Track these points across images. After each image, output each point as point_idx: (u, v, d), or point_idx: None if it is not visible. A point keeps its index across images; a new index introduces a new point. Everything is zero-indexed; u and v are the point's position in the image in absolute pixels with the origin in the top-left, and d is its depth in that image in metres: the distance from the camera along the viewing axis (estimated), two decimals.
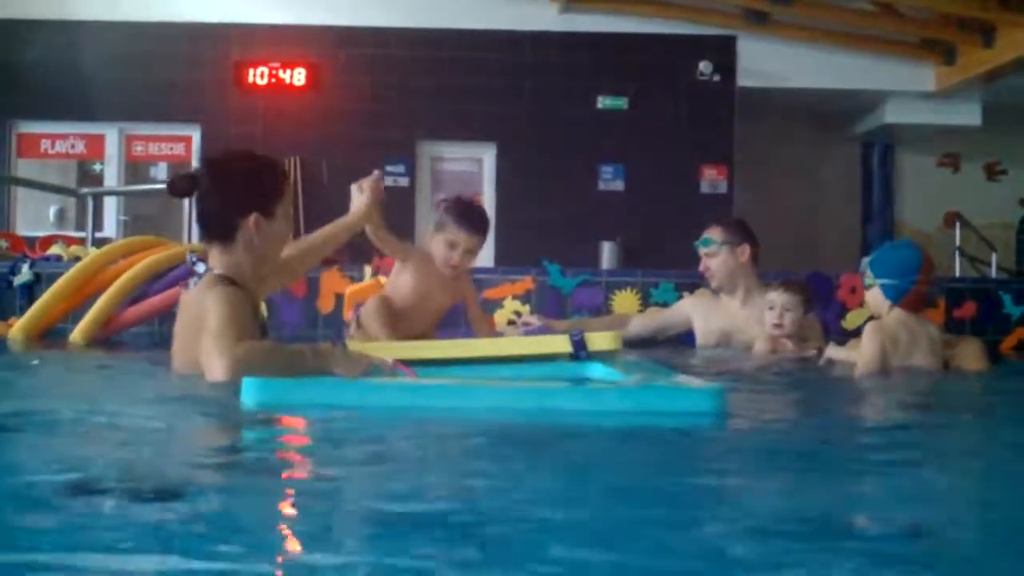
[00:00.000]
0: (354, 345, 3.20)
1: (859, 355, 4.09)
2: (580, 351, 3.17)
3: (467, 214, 4.35)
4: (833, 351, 4.51)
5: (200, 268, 3.27)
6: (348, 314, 4.21)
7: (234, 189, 3.31)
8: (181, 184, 3.36)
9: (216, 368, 2.84)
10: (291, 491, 1.66)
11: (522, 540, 1.31)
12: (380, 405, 2.56)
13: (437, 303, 4.40)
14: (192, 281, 3.29)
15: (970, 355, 4.28)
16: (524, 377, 3.14)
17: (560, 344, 3.26)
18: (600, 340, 3.27)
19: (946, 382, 3.94)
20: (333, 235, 4.01)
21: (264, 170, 3.43)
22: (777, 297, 4.87)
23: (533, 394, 2.67)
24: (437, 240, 4.31)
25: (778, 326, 4.83)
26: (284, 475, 1.82)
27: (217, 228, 3.32)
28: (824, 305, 4.55)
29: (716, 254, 5.38)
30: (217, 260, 3.30)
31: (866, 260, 4.35)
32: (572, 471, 1.85)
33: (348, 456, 1.98)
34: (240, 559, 1.21)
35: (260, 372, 2.69)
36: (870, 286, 4.27)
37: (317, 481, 1.77)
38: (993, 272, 11.16)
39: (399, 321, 4.21)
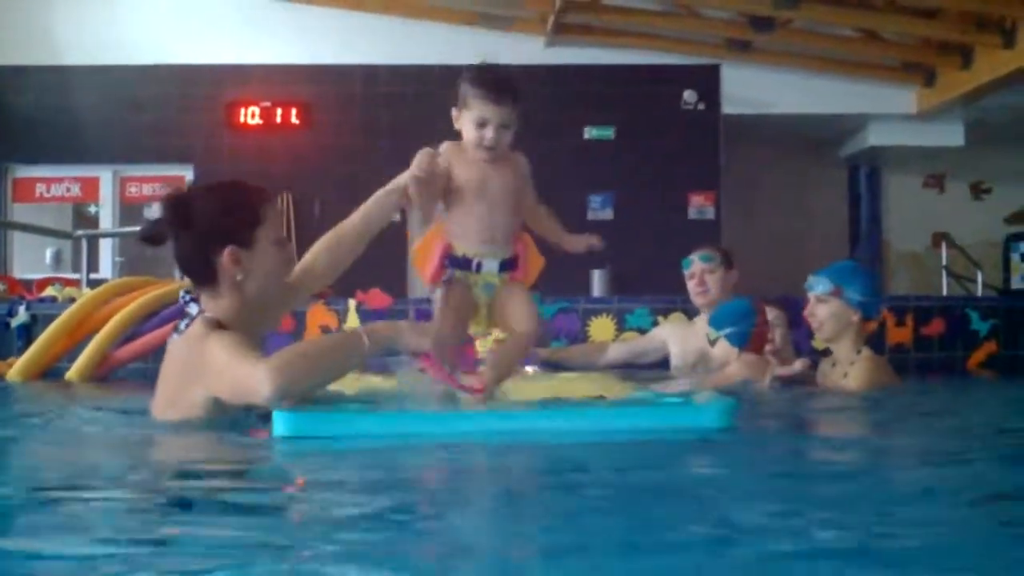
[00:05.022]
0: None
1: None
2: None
3: (488, 81, 3.45)
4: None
5: (192, 309, 3.02)
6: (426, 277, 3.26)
7: (199, 225, 2.98)
8: (149, 232, 3.06)
9: (261, 385, 2.62)
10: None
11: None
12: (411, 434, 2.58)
13: (499, 187, 3.39)
14: (182, 323, 3.02)
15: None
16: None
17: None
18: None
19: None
20: (376, 207, 3.38)
21: (232, 196, 3.09)
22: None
23: (553, 416, 2.78)
24: (465, 122, 3.42)
25: (769, 341, 4.77)
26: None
27: (194, 271, 3.05)
28: (795, 327, 4.68)
29: (715, 271, 5.47)
30: (207, 305, 3.03)
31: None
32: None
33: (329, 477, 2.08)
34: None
35: (309, 375, 2.64)
36: (715, 341, 4.49)
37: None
38: (979, 290, 11.29)
39: (486, 233, 3.35)
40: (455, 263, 3.22)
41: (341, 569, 1.29)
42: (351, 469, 2.23)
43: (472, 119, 3.35)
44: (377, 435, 2.57)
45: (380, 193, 3.43)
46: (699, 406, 2.83)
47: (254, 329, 3.06)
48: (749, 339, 4.48)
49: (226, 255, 2.96)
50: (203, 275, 3.01)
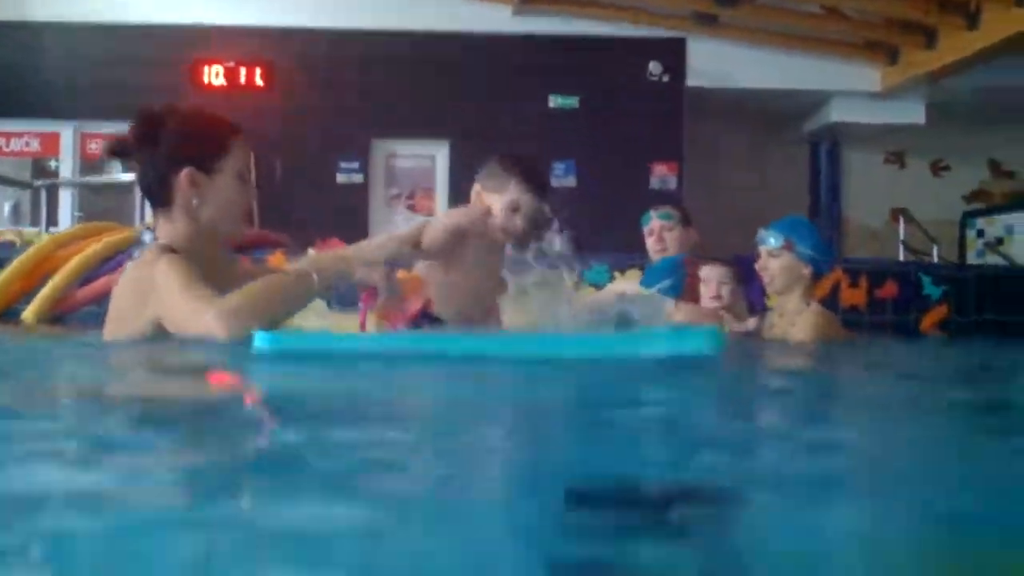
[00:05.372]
0: None
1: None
2: None
3: (534, 174, 3.55)
4: None
5: (147, 237, 3.00)
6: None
7: (164, 142, 2.91)
8: (117, 145, 3.00)
9: (212, 330, 2.55)
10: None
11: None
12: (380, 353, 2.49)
13: (495, 270, 3.55)
14: (136, 251, 2.97)
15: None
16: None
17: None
18: None
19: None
20: (377, 252, 3.07)
21: (201, 121, 3.04)
22: (711, 271, 4.78)
23: (541, 342, 2.75)
24: (493, 201, 3.50)
25: (717, 298, 4.72)
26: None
27: (152, 189, 2.97)
28: (747, 285, 4.71)
29: (674, 228, 5.47)
30: (161, 230, 2.96)
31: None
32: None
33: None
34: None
35: (261, 317, 2.55)
36: None
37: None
38: None
39: (472, 307, 3.50)
40: (430, 318, 3.12)
41: (302, 502, 1.28)
42: (319, 397, 2.22)
43: (506, 203, 3.49)
44: (363, 354, 2.51)
45: (386, 238, 3.34)
46: (689, 332, 2.82)
47: (209, 262, 2.93)
48: (683, 289, 4.55)
49: (183, 176, 2.89)
50: (160, 195, 2.94)
